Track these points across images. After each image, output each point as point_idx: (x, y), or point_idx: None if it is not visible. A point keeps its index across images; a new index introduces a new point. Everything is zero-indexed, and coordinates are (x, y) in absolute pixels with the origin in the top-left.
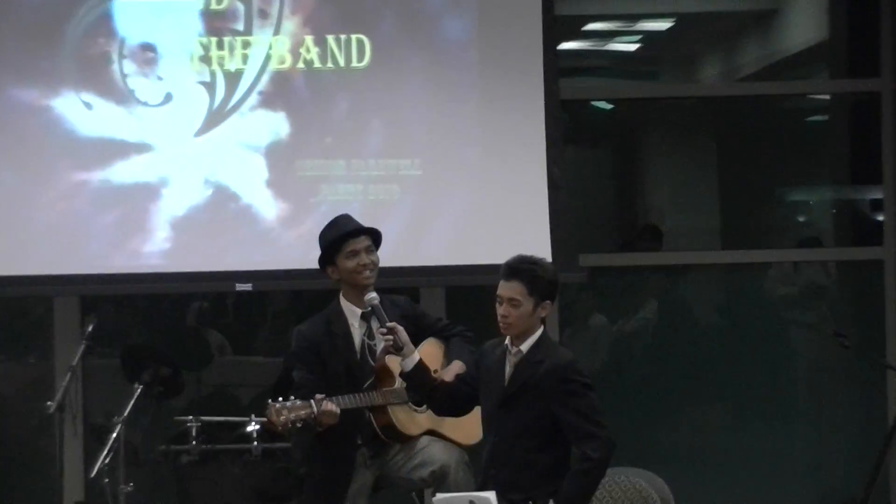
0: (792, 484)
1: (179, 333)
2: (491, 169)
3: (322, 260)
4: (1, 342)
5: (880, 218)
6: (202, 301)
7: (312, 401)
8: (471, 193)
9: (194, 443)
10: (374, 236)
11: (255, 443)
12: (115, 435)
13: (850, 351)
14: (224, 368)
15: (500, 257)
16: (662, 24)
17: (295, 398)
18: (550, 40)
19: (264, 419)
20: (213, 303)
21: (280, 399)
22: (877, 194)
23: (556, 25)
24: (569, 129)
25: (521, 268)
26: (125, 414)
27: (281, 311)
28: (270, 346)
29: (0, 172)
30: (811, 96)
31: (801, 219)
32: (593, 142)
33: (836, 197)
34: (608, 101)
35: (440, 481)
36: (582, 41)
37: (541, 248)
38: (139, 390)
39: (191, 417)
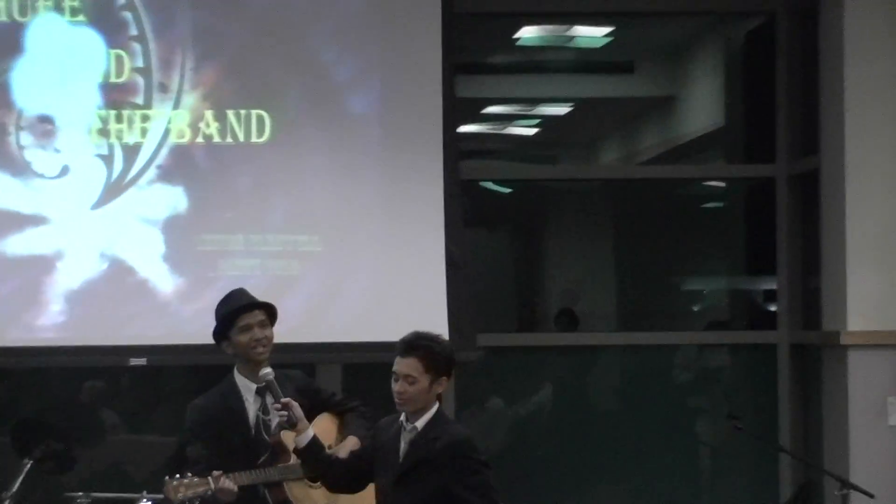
0: None
1: (72, 410)
2: (391, 246)
3: (216, 334)
4: None
5: (774, 308)
6: (96, 380)
7: (210, 477)
8: (370, 270)
9: None
10: (269, 311)
11: None
12: None
13: (745, 434)
14: (117, 447)
15: (398, 335)
16: (561, 109)
17: (192, 475)
18: (451, 121)
19: (157, 496)
20: (107, 380)
21: (177, 475)
22: (771, 284)
23: (457, 107)
24: (469, 211)
25: (417, 344)
26: (14, 489)
27: (176, 389)
28: (165, 425)
29: None
30: (709, 183)
31: (697, 304)
32: (493, 224)
33: (732, 286)
34: (507, 183)
35: None
36: (482, 124)
37: (439, 326)
38: (29, 465)
39: (81, 494)
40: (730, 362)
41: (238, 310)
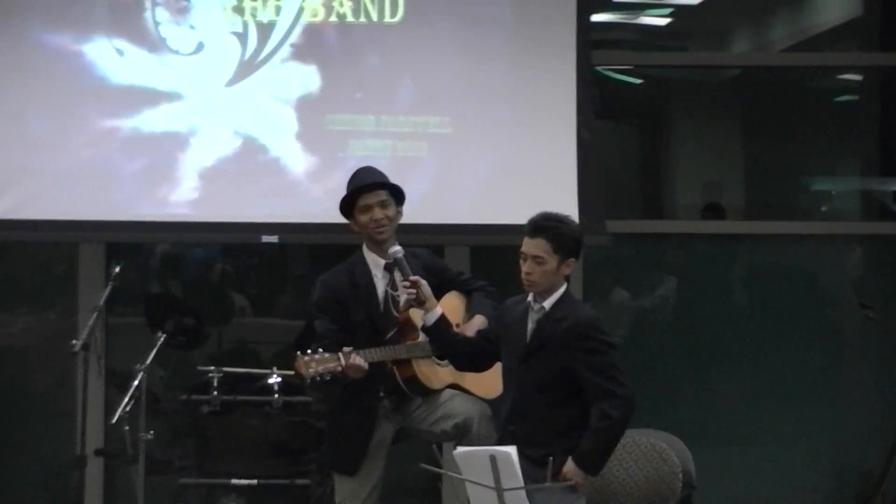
0: (809, 456)
1: (203, 288)
2: (520, 129)
3: (343, 212)
4: (24, 295)
5: None
6: (224, 262)
7: (340, 353)
8: (499, 153)
9: (215, 393)
10: (394, 190)
11: (276, 395)
12: (136, 382)
13: (873, 324)
14: (246, 327)
15: (526, 218)
16: None
17: (321, 350)
18: (584, 8)
19: (286, 372)
20: (235, 265)
21: (308, 351)
22: None
23: None
24: (598, 103)
25: (545, 225)
26: (147, 362)
27: (302, 275)
28: (291, 309)
29: (29, 117)
30: (842, 76)
31: (827, 201)
32: (622, 116)
33: (863, 185)
34: (637, 74)
35: (463, 434)
36: (613, 13)
37: (568, 209)
38: (162, 339)
39: (212, 368)
40: (860, 253)
41: (359, 189)
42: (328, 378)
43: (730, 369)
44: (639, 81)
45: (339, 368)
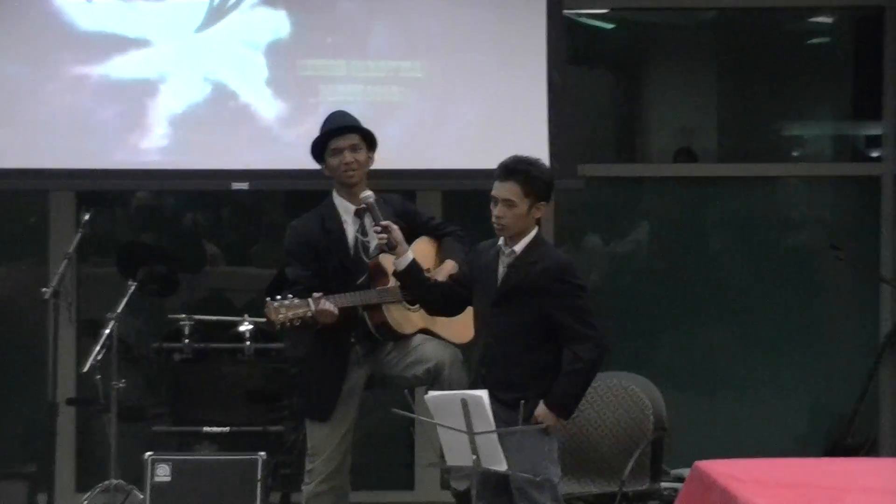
0: (781, 399)
1: (175, 236)
2: (493, 73)
3: (314, 156)
4: None
5: (876, 154)
6: (197, 210)
7: (310, 299)
8: (471, 98)
9: (187, 341)
10: (365, 135)
11: (249, 342)
12: (108, 331)
13: (845, 266)
14: (219, 276)
15: (498, 162)
16: None
17: (292, 295)
18: None
19: (258, 319)
20: (208, 213)
21: (278, 297)
22: (877, 130)
23: None
24: (571, 49)
25: (516, 168)
26: (119, 310)
27: (276, 223)
28: (265, 257)
29: (1, 63)
30: (815, 19)
31: (800, 146)
32: (595, 62)
33: (837, 130)
34: (610, 19)
35: (434, 379)
36: None
37: (539, 154)
38: (133, 287)
39: (185, 316)
40: (833, 196)
41: (330, 132)
42: (298, 324)
43: (703, 313)
44: (612, 26)
45: (310, 314)
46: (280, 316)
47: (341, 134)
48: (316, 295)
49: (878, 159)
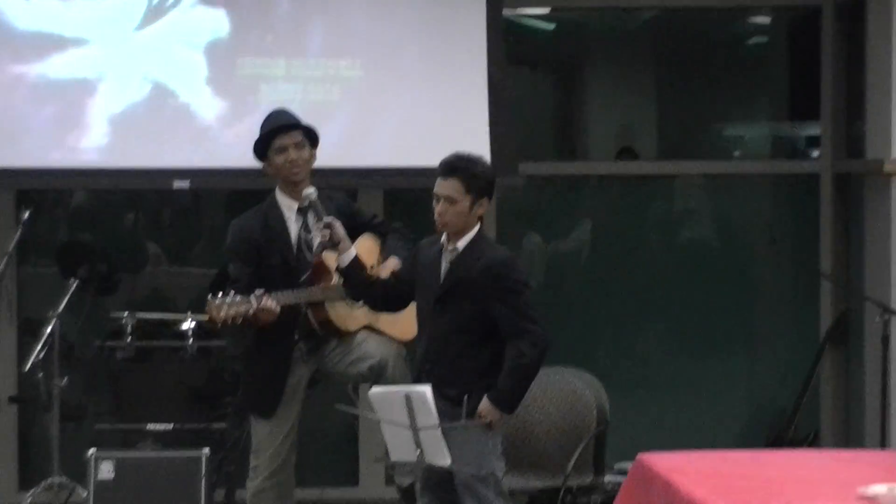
0: (722, 396)
1: (116, 235)
2: (433, 72)
3: (256, 155)
4: None
5: (816, 154)
6: (138, 212)
7: (252, 296)
8: (412, 95)
9: (130, 339)
10: (308, 132)
11: (191, 340)
12: (49, 329)
13: (784, 263)
14: (160, 276)
15: (439, 160)
16: None
17: (234, 293)
18: None
19: (200, 317)
20: (148, 215)
21: (220, 294)
22: (815, 130)
23: None
24: (511, 51)
25: (458, 165)
26: (60, 309)
27: (217, 225)
28: (206, 257)
29: None
30: (753, 19)
31: (740, 146)
32: (535, 63)
33: (774, 131)
34: (550, 19)
35: (378, 375)
36: None
37: (481, 151)
38: (74, 286)
39: (126, 314)
40: (772, 193)
41: (274, 130)
42: (240, 321)
43: (645, 310)
44: (551, 27)
45: (251, 311)
46: (222, 314)
47: (286, 131)
48: (258, 292)
49: (817, 158)
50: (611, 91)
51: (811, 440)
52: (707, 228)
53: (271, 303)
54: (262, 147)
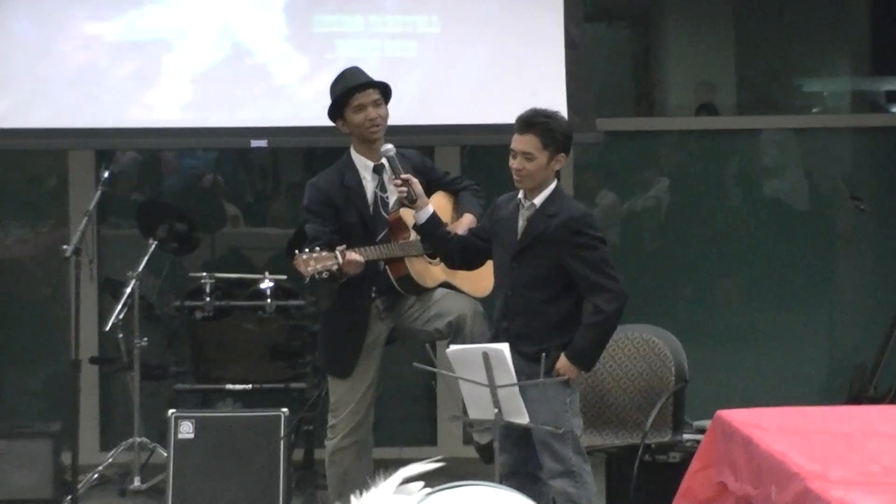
0: (803, 351)
1: (195, 195)
2: (509, 27)
3: (331, 114)
4: (17, 207)
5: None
6: (216, 170)
7: (337, 251)
8: (488, 52)
9: (208, 299)
10: (384, 90)
11: (269, 300)
12: (129, 289)
13: (866, 217)
14: (237, 236)
15: (516, 116)
16: None
17: (318, 248)
18: None
19: (278, 277)
20: (227, 172)
21: (306, 250)
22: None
23: None
24: (589, 5)
25: (535, 120)
26: (140, 269)
27: (294, 184)
28: (284, 216)
29: (16, 22)
30: None
31: (817, 95)
32: (614, 15)
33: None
34: None
35: (456, 332)
36: None
37: (558, 107)
38: (154, 246)
39: (205, 274)
40: (853, 147)
41: (352, 89)
42: (326, 276)
43: (724, 266)
44: None
45: (337, 266)
46: (309, 268)
47: (364, 90)
48: (341, 247)
49: None
50: (689, 45)
51: (892, 396)
52: (787, 183)
53: (356, 256)
54: (339, 106)
